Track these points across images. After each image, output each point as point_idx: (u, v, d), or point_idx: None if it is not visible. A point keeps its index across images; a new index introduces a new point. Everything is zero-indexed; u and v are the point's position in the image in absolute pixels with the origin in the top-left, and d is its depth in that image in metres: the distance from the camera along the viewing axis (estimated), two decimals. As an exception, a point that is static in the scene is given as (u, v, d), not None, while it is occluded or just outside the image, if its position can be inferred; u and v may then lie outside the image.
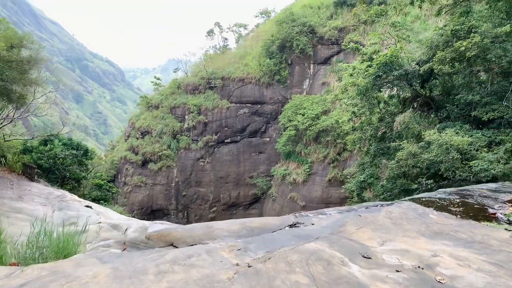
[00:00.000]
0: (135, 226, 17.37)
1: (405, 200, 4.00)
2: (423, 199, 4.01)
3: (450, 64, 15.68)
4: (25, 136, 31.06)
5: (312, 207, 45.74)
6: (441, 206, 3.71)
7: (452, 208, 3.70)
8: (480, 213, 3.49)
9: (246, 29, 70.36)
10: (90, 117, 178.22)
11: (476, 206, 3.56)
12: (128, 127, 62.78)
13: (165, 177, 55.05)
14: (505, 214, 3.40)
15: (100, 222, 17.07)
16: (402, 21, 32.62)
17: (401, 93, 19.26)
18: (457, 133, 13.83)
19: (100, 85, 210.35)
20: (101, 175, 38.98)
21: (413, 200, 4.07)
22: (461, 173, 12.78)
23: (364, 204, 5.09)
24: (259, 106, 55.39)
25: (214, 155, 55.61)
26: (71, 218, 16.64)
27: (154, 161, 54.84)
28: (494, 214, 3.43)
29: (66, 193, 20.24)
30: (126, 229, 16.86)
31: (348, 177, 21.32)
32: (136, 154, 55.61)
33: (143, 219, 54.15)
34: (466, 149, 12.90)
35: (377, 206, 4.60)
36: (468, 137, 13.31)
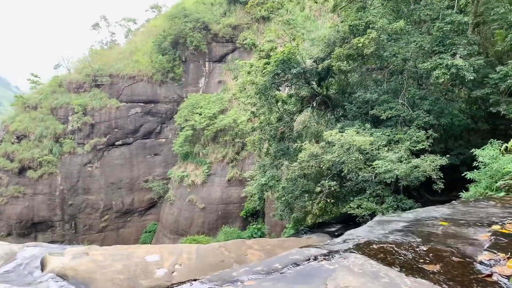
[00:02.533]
0: (-2, 254, 14.23)
1: (351, 250, 2.80)
2: (374, 245, 2.78)
3: (347, 61, 15.47)
4: None
5: (212, 209, 44.65)
6: (407, 263, 2.60)
7: (425, 267, 2.62)
8: (469, 275, 2.45)
9: (136, 23, 66.35)
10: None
11: (455, 258, 2.56)
12: (1, 130, 54.94)
13: (47, 185, 49.28)
14: (507, 277, 2.36)
15: None
16: (295, 20, 32.92)
17: (299, 92, 18.82)
18: (358, 132, 13.54)
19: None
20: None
21: (360, 248, 2.84)
22: (364, 174, 12.45)
23: (287, 254, 3.68)
24: (153, 105, 52.42)
25: (104, 159, 51.25)
26: None
27: (33, 168, 48.72)
28: (490, 275, 2.44)
29: None
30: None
31: (249, 179, 20.38)
32: (12, 161, 48.82)
33: (23, 233, 48.12)
34: (368, 149, 12.60)
35: (309, 260, 3.23)
36: (369, 137, 13.06)
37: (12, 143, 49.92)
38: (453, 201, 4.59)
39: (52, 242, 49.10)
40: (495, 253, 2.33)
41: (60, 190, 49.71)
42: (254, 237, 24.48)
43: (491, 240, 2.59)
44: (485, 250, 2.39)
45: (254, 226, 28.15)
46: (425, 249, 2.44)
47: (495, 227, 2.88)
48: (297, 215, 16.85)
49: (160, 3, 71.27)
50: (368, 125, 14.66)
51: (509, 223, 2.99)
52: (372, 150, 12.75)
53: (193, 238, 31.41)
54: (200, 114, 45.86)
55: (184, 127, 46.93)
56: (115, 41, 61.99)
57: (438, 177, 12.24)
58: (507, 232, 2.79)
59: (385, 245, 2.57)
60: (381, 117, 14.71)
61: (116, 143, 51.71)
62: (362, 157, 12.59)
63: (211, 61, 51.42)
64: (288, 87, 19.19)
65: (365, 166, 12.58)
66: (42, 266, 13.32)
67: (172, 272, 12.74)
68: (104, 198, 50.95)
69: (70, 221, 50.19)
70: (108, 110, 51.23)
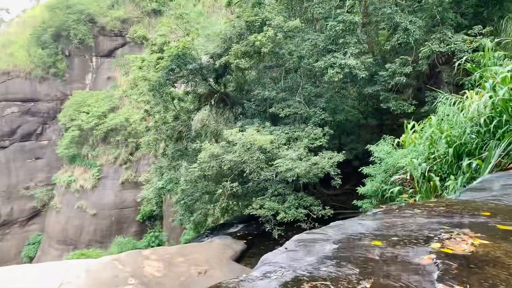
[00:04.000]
0: None
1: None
2: (306, 285, 2.20)
3: (244, 58, 15.11)
4: None
5: (105, 214, 41.73)
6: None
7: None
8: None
9: (9, 13, 59.20)
10: None
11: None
12: None
13: None
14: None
15: None
16: (188, 15, 31.93)
17: (197, 89, 18.03)
18: (258, 131, 13.24)
19: None
20: None
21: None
22: (266, 173, 12.18)
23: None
24: (32, 104, 47.10)
25: (-26, 165, 44.84)
26: None
27: None
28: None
29: None
30: None
31: (144, 182, 19.06)
32: None
33: None
34: (269, 148, 12.35)
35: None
36: (269, 135, 12.83)
37: None
38: (375, 210, 4.21)
39: None
40: (452, 287, 1.89)
41: None
42: (152, 246, 23.14)
43: (437, 265, 2.19)
44: (439, 282, 1.95)
45: (152, 234, 26.70)
46: (368, 286, 1.92)
47: (435, 246, 2.52)
48: (198, 218, 16.10)
49: (38, -9, 64.31)
50: (268, 123, 14.49)
51: (447, 238, 2.63)
52: (272, 148, 12.54)
53: (81, 252, 28.72)
54: (88, 113, 42.46)
55: (69, 128, 43.02)
56: (-16, 31, 54.44)
57: (336, 173, 12.48)
58: (450, 252, 2.41)
59: (318, 282, 2.00)
60: (280, 115, 14.63)
61: (-11, 146, 45.53)
62: (263, 156, 12.31)
63: (98, 56, 47.85)
64: (185, 84, 18.30)
65: (267, 166, 12.34)
66: None
67: (56, 295, 11.15)
68: (-25, 209, 44.59)
69: None
70: (-22, 110, 44.89)
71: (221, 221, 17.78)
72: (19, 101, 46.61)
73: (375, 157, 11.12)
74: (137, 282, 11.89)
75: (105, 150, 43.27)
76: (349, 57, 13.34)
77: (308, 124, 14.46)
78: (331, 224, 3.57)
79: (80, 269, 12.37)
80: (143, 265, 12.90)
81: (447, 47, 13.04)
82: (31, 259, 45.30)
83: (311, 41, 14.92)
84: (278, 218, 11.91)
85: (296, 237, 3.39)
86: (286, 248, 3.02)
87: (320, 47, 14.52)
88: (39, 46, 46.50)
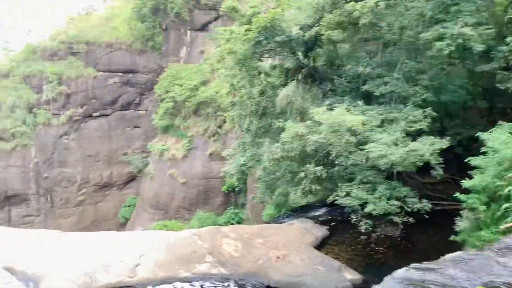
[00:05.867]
0: None
1: None
2: None
3: (337, 29, 13.75)
4: None
5: (194, 184, 43.38)
6: None
7: None
8: None
9: (114, -13, 62.51)
10: None
11: None
12: (-30, 99, 52.03)
13: (21, 157, 47.08)
14: None
15: None
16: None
17: (284, 63, 17.10)
18: (348, 110, 12.00)
19: None
20: None
21: None
22: (355, 158, 10.99)
23: None
24: (132, 75, 49.96)
25: (81, 131, 49.07)
26: None
27: (5, 140, 46.32)
28: None
29: None
30: None
31: (228, 158, 18.90)
32: (-18, 131, 46.34)
33: (-4, 207, 46.18)
34: (359, 130, 11.10)
35: None
36: (360, 115, 11.55)
37: (-18, 114, 47.25)
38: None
39: (27, 216, 47.54)
40: None
41: (35, 162, 47.64)
42: (232, 223, 23.21)
43: None
44: None
45: (232, 210, 26.79)
46: None
47: None
48: (279, 198, 15.46)
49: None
50: (360, 102, 13.12)
51: None
52: (364, 131, 11.26)
53: (164, 223, 29.88)
54: (181, 86, 43.82)
55: (164, 99, 44.92)
56: (92, 6, 58.42)
57: (437, 162, 10.85)
58: None
59: None
60: (374, 93, 13.16)
61: (94, 114, 49.39)
62: (353, 139, 11.11)
63: (193, 30, 48.83)
64: (272, 58, 17.47)
65: (356, 150, 11.13)
66: (-9, 256, 11.78)
67: (137, 266, 11.28)
68: (81, 171, 49.07)
69: (46, 195, 48.37)
70: (85, 80, 48.73)
71: (303, 203, 16.97)
72: (120, 72, 49.71)
73: (488, 147, 9.38)
74: (214, 260, 11.67)
75: (196, 122, 44.58)
76: (462, 27, 11.35)
77: (407, 105, 12.84)
78: (450, 256, 2.48)
79: (161, 242, 12.48)
80: (221, 243, 12.65)
81: None
82: (126, 220, 49.12)
83: (417, 9, 13.02)
84: (366, 210, 10.72)
85: (399, 273, 2.38)
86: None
87: (427, 16, 12.60)
88: (139, 20, 48.70)
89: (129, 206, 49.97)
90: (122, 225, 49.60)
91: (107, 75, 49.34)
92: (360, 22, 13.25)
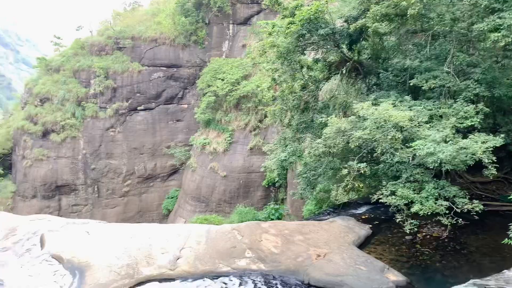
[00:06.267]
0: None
1: None
2: None
3: (384, 21, 13.21)
4: None
5: (234, 177, 43.81)
6: None
7: None
8: None
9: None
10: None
11: None
12: (24, 93, 54.90)
13: (71, 149, 49.37)
14: None
15: None
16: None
17: (327, 57, 16.71)
18: (394, 105, 11.53)
19: (1, 45, 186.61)
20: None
21: None
22: (401, 155, 10.53)
23: None
24: (175, 69, 50.93)
25: (126, 124, 50.68)
26: None
27: (56, 132, 48.72)
28: None
29: None
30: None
31: (268, 153, 18.76)
32: (35, 124, 48.91)
33: (48, 196, 48.57)
34: (406, 126, 10.63)
35: None
36: (408, 111, 11.05)
37: (36, 106, 49.82)
38: None
39: (76, 205, 49.72)
40: None
41: (83, 154, 49.74)
42: (272, 219, 23.11)
43: None
44: None
45: (272, 206, 26.63)
46: None
47: None
48: (320, 194, 15.17)
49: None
50: (407, 97, 12.56)
51: None
52: (411, 127, 10.77)
53: (204, 217, 30.21)
54: (223, 80, 44.15)
55: (206, 93, 45.52)
56: (138, 2, 59.91)
57: (490, 161, 10.20)
58: None
59: None
60: (423, 88, 12.55)
61: (138, 108, 50.97)
62: (399, 135, 10.64)
63: (235, 24, 49.04)
64: (314, 51, 17.09)
65: (402, 147, 10.67)
66: (41, 244, 12.31)
67: (178, 259, 11.40)
68: (126, 163, 50.84)
69: (93, 185, 50.44)
70: (130, 74, 50.26)
71: (345, 200, 16.57)
72: (164, 66, 50.78)
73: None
74: (253, 256, 11.60)
75: (237, 116, 44.85)
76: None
77: (457, 100, 12.15)
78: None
79: (202, 235, 12.55)
80: (261, 239, 12.56)
81: None
82: (169, 211, 50.33)
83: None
84: (412, 210, 10.26)
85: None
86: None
87: (482, 6, 11.84)
88: (182, 14, 49.37)
89: (171, 197, 51.17)
90: (164, 216, 50.95)
91: (151, 70, 50.60)
92: (408, 13, 12.67)
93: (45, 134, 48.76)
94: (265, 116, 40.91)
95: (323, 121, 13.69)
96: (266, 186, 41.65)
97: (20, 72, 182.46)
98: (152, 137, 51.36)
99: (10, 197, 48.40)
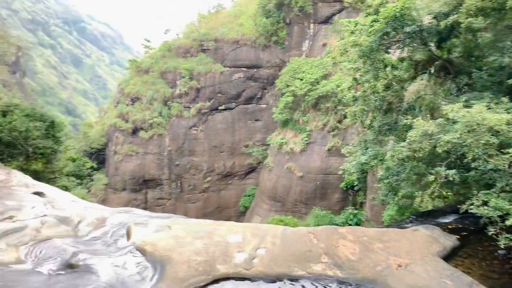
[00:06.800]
0: (90, 218, 14.42)
1: None
2: None
3: (479, 16, 12.15)
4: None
5: (311, 178, 43.33)
6: None
7: None
8: None
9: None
10: (89, 81, 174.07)
11: None
12: (117, 93, 59.40)
13: (157, 146, 52.40)
14: None
15: (45, 215, 13.91)
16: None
17: (413, 55, 15.80)
18: (489, 108, 10.56)
19: (98, 48, 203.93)
20: (74, 148, 35.97)
21: None
22: (496, 162, 9.60)
23: None
24: (255, 70, 51.80)
25: (208, 123, 52.61)
26: (8, 211, 13.43)
27: (145, 129, 51.98)
28: None
29: (16, 174, 17.13)
30: (79, 222, 13.95)
31: (347, 155, 18.23)
32: (126, 121, 52.62)
33: (135, 189, 52.11)
34: (503, 131, 9.66)
35: None
36: (504, 114, 10.04)
37: (127, 105, 53.51)
38: None
39: (160, 199, 52.62)
40: None
41: (168, 150, 52.45)
42: (349, 224, 22.36)
43: None
44: None
45: (350, 211, 25.84)
46: None
47: None
48: (402, 201, 14.38)
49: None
50: (504, 99, 11.43)
51: None
52: (508, 131, 9.78)
53: (279, 218, 30.17)
54: (302, 79, 43.88)
55: (284, 93, 45.59)
56: (222, 4, 61.86)
57: None
58: None
59: None
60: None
61: (219, 107, 52.63)
62: (494, 140, 9.71)
63: (316, 23, 48.47)
64: (399, 50, 16.26)
65: (498, 153, 9.72)
66: (127, 235, 13.12)
67: (253, 258, 11.46)
68: (207, 160, 52.74)
69: (176, 180, 53.01)
70: (213, 75, 52.01)
71: (429, 207, 15.56)
72: (245, 67, 51.87)
73: None
74: (330, 262, 11.31)
75: (315, 116, 44.31)
76: None
77: None
78: None
79: (277, 236, 12.51)
80: (338, 244, 12.21)
81: None
82: (246, 209, 51.33)
83: None
84: (507, 222, 9.30)
85: None
86: None
87: None
88: (264, 15, 50.00)
89: (248, 195, 52.14)
90: (241, 213, 52.09)
91: (232, 71, 51.94)
92: (507, 6, 11.54)
93: (135, 131, 52.15)
94: (345, 117, 39.90)
95: (408, 123, 12.96)
96: (344, 188, 40.61)
97: (114, 74, 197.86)
98: (231, 136, 52.76)
99: (103, 189, 52.49)
